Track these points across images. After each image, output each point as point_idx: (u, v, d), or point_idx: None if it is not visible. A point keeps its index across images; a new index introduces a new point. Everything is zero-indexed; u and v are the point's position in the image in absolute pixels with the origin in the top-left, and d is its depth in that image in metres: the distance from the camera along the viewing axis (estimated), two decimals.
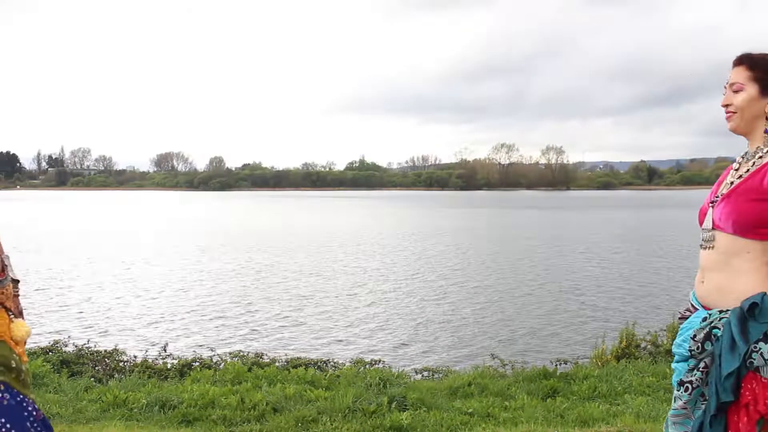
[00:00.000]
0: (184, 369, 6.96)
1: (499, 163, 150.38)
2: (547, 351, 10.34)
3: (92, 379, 6.37)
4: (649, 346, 7.78)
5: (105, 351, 7.47)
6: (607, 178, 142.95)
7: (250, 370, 6.47)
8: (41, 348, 7.19)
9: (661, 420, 4.35)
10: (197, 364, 7.14)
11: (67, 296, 15.47)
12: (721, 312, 2.38)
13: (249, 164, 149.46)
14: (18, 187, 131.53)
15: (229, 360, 7.17)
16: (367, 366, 7.19)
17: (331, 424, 4.78)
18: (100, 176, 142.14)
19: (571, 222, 43.39)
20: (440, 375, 7.27)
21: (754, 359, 2.27)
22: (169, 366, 7.10)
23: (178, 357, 7.44)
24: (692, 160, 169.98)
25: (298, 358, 7.81)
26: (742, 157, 2.52)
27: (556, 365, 7.22)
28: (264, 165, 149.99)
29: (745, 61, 2.47)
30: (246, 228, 37.20)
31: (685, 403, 2.43)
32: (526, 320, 13.11)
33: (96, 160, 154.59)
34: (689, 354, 2.44)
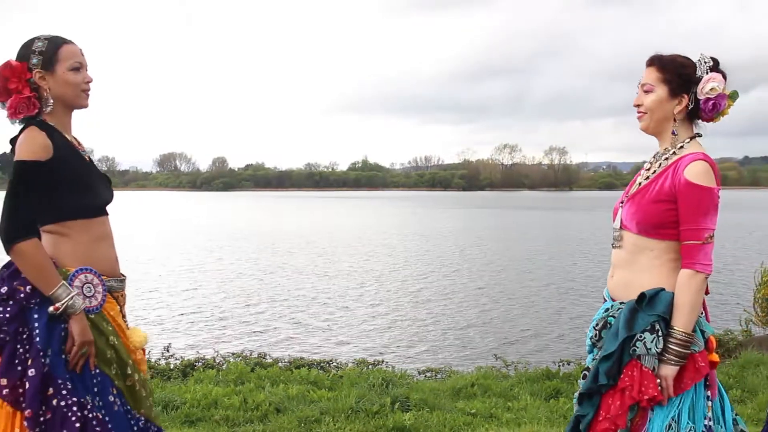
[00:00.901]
0: (187, 369, 6.95)
1: (502, 164, 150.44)
2: (550, 352, 10.33)
3: None
4: None
5: None
6: (609, 179, 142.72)
7: (253, 370, 6.47)
8: None
9: None
10: (200, 364, 7.14)
11: None
12: (621, 303, 2.46)
13: (252, 164, 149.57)
14: None
15: (232, 360, 7.17)
16: (370, 366, 7.18)
17: (334, 425, 4.78)
18: None
19: (574, 222, 43.35)
20: (443, 375, 7.25)
21: (638, 348, 2.34)
22: (171, 366, 7.09)
23: (181, 357, 7.43)
24: None
25: (301, 358, 7.80)
26: (654, 158, 2.55)
27: (559, 366, 7.20)
28: (267, 165, 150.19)
29: (656, 62, 2.48)
30: (249, 228, 37.23)
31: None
32: (529, 321, 13.10)
33: (99, 160, 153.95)
34: (592, 343, 2.53)
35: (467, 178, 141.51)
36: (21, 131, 2.42)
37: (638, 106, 2.52)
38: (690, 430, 2.29)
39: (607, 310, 2.52)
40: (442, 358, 10.25)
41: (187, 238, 30.85)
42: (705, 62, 2.42)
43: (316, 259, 22.98)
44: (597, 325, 2.52)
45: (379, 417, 4.94)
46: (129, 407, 2.44)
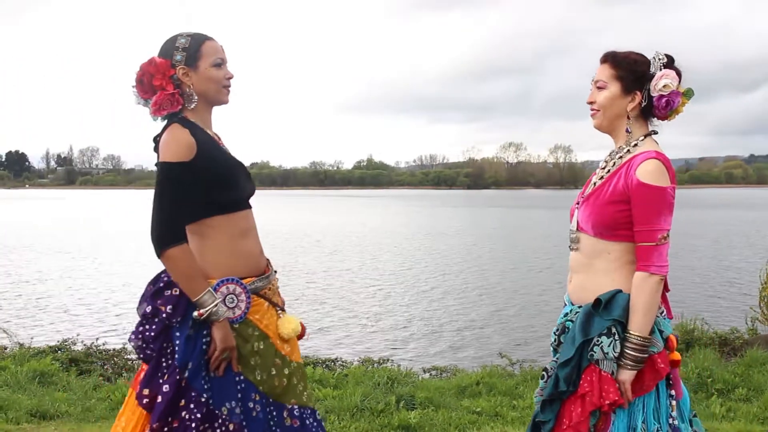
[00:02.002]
0: None
1: (507, 162, 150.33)
2: None
3: (101, 377, 6.38)
4: None
5: (113, 350, 7.47)
6: None
7: None
8: (50, 346, 7.21)
9: None
10: None
11: (76, 295, 15.54)
12: (579, 308, 2.43)
13: (257, 163, 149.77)
14: (27, 186, 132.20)
15: None
16: (375, 365, 7.19)
17: (339, 423, 4.78)
18: (109, 175, 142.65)
19: None
20: (448, 374, 7.26)
21: (595, 352, 2.30)
22: None
23: None
24: (701, 159, 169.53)
25: (306, 356, 7.80)
26: (609, 156, 2.50)
27: None
28: (272, 164, 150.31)
29: (609, 59, 2.44)
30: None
31: (541, 389, 2.49)
32: (534, 319, 13.08)
33: (104, 159, 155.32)
34: (553, 348, 2.51)
35: (472, 176, 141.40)
36: (164, 129, 2.40)
37: (591, 103, 2.48)
38: (656, 430, 2.27)
39: (566, 314, 2.48)
40: (447, 357, 10.24)
41: None
42: (659, 59, 2.38)
43: (321, 257, 22.99)
44: (557, 330, 2.49)
45: (384, 415, 4.94)
46: (275, 405, 2.42)
